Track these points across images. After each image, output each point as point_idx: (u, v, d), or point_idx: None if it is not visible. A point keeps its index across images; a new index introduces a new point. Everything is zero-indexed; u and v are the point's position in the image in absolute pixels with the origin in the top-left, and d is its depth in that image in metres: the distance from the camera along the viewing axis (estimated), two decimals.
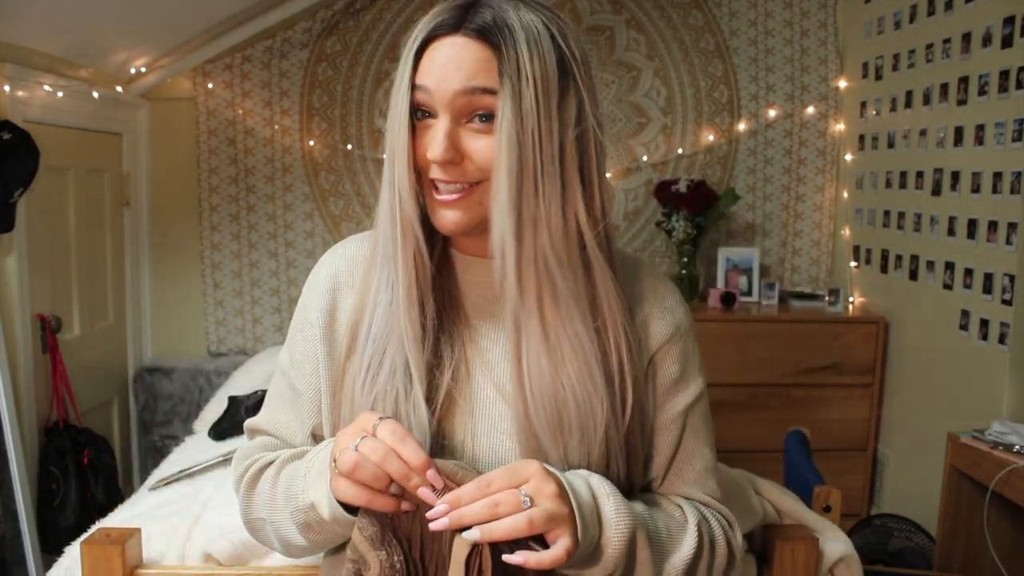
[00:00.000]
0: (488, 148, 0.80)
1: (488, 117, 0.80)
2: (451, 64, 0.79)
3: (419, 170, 0.83)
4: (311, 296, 0.94)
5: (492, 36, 0.79)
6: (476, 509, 0.72)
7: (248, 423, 1.00)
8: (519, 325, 0.83)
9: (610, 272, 0.86)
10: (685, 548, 0.84)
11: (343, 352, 0.89)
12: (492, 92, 0.79)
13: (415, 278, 0.84)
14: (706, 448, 0.94)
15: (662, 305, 0.92)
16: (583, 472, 0.82)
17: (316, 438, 0.93)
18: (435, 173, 0.82)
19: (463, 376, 0.87)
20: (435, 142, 0.80)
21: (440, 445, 0.85)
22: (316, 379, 0.92)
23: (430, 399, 0.84)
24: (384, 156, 0.86)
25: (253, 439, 0.99)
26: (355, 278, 0.92)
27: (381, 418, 0.77)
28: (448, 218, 0.83)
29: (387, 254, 0.86)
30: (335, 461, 0.77)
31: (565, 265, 0.82)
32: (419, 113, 0.82)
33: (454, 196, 0.82)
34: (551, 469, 0.77)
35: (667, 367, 0.91)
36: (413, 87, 0.81)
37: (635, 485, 0.91)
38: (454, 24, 0.80)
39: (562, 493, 0.75)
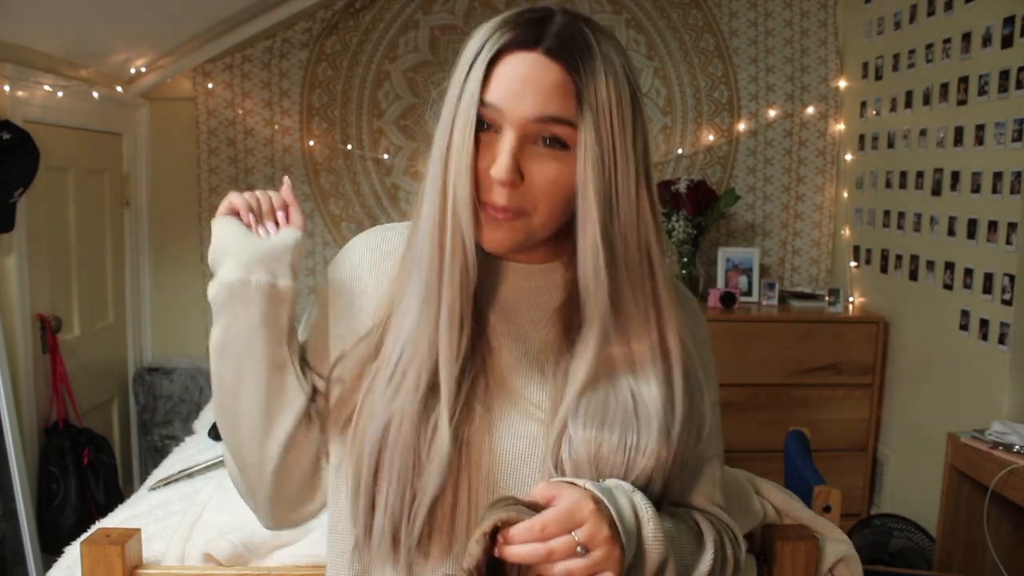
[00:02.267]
0: (548, 175, 0.78)
1: (556, 142, 0.78)
2: (528, 87, 0.76)
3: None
4: (334, 273, 0.93)
5: (571, 59, 0.76)
6: (527, 552, 0.71)
7: None
8: (604, 352, 0.82)
9: (675, 305, 0.85)
10: (703, 567, 0.84)
11: (357, 329, 0.88)
12: (567, 123, 0.77)
13: (459, 296, 0.81)
14: (716, 460, 0.94)
15: (686, 314, 0.92)
16: (627, 487, 0.79)
17: (317, 390, 0.91)
18: (490, 193, 0.79)
19: (480, 386, 0.85)
20: (500, 162, 0.77)
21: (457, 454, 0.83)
22: (326, 337, 0.91)
23: (451, 414, 0.82)
24: (431, 163, 0.82)
25: None
26: (382, 268, 0.90)
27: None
28: (493, 237, 0.81)
29: (426, 265, 0.82)
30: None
31: (642, 297, 0.82)
32: (482, 124, 0.78)
33: (502, 216, 0.79)
34: (600, 498, 0.75)
35: None
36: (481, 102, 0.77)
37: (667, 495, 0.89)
38: (531, 40, 0.77)
39: (615, 535, 0.73)
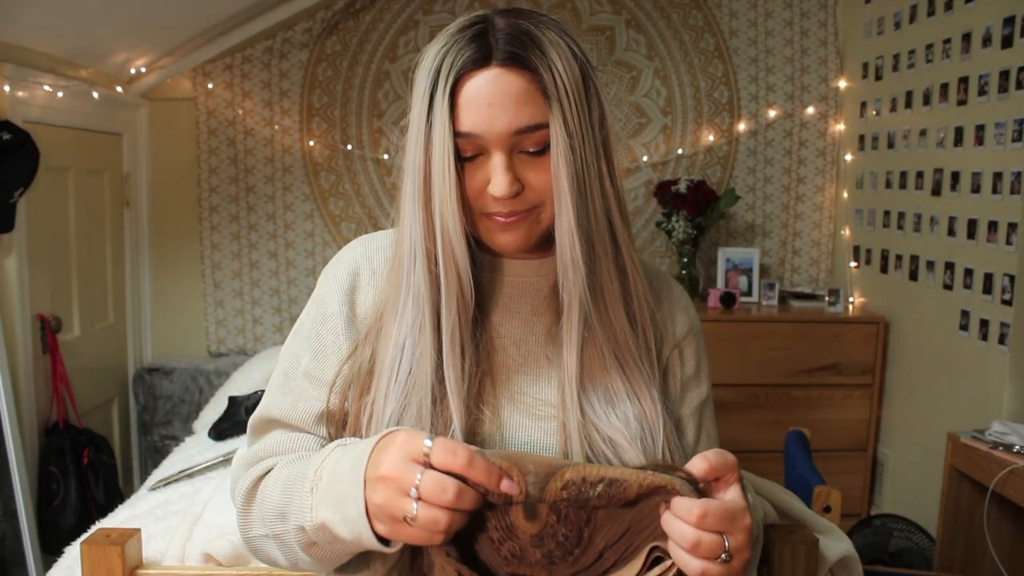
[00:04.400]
0: (543, 175, 0.80)
1: (539, 148, 0.79)
2: (496, 105, 0.77)
3: (466, 206, 0.81)
4: (330, 287, 0.91)
5: (527, 60, 0.77)
6: (679, 531, 0.69)
7: (258, 418, 0.92)
8: (590, 336, 0.84)
9: (641, 271, 0.87)
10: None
11: (366, 357, 0.86)
12: (543, 126, 0.78)
13: (458, 322, 0.82)
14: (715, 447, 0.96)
15: (679, 304, 0.96)
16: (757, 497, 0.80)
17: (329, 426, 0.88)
18: (495, 207, 0.80)
19: (487, 388, 0.85)
20: (498, 180, 0.78)
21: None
22: (340, 369, 0.88)
23: (464, 429, 0.82)
24: (407, 197, 0.82)
25: (264, 436, 0.91)
26: (376, 276, 0.90)
27: (430, 439, 0.69)
28: (510, 240, 0.83)
29: (423, 297, 0.82)
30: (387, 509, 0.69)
31: (607, 267, 0.84)
32: (462, 155, 0.79)
33: (513, 219, 0.81)
34: (753, 514, 0.73)
35: (687, 359, 0.94)
36: (455, 133, 0.78)
37: None
38: (483, 56, 0.77)
39: (749, 553, 0.71)
